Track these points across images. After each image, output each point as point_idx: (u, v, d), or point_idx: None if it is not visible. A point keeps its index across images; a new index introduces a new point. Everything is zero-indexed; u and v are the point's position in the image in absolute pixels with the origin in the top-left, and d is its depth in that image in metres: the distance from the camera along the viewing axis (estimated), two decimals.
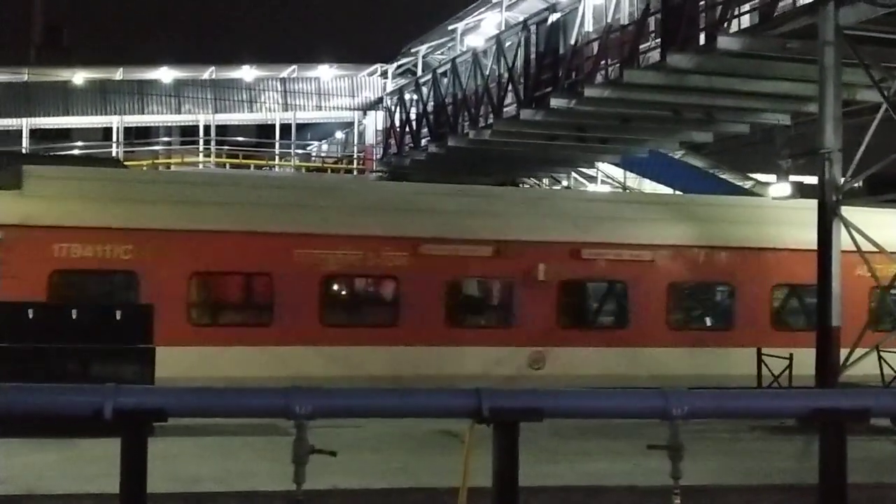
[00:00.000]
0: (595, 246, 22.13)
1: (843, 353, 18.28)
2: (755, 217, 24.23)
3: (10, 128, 43.77)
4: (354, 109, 45.12)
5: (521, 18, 31.09)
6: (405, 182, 32.24)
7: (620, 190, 39.98)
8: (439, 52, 40.81)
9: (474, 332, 21.61)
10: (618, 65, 24.82)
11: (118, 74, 44.58)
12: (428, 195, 23.33)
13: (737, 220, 23.77)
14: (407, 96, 38.22)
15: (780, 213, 24.52)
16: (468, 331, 21.52)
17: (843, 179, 18.28)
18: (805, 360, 18.52)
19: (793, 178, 33.36)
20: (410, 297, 20.97)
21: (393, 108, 39.88)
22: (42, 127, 44.75)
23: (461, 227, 21.62)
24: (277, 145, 46.91)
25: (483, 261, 21.45)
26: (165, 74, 44.41)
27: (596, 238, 22.33)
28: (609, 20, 25.52)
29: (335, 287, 21.34)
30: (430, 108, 35.40)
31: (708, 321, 24.04)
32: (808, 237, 19.06)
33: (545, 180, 40.61)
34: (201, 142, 44.99)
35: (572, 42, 26.92)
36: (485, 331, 21.84)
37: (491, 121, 30.67)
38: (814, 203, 18.60)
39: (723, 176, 38.22)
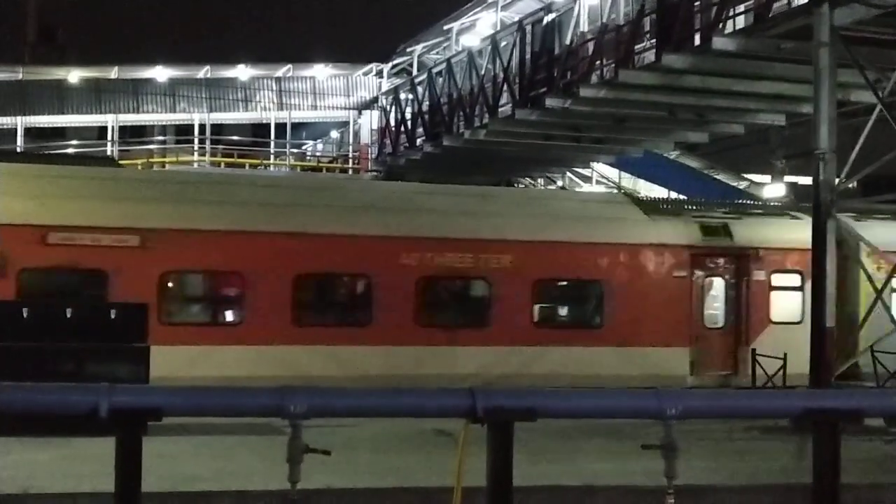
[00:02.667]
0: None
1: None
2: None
3: (5, 126, 43.69)
4: (350, 109, 45.07)
5: (516, 18, 31.07)
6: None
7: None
8: (434, 51, 40.79)
9: None
10: (613, 65, 24.83)
11: (113, 73, 44.50)
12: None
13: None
14: (402, 96, 38.20)
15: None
16: None
17: (837, 180, 18.31)
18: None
19: (787, 178, 33.45)
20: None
21: (388, 107, 39.85)
22: (37, 125, 44.67)
23: None
24: (272, 144, 46.86)
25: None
26: (160, 73, 44.33)
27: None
28: (604, 20, 25.53)
29: None
30: (425, 107, 35.38)
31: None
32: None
33: (540, 180, 40.63)
34: (196, 140, 44.92)
35: (567, 42, 26.92)
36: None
37: (486, 120, 30.66)
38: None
39: (718, 176, 38.27)
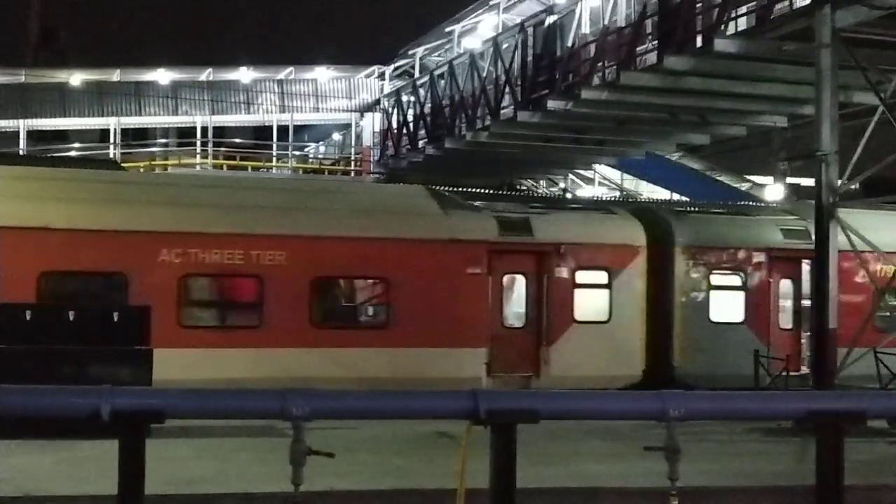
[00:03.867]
0: None
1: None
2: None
3: (8, 129, 43.72)
4: (352, 111, 45.09)
5: (518, 21, 31.11)
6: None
7: None
8: (436, 53, 40.82)
9: None
10: (614, 67, 24.85)
11: (115, 76, 44.54)
12: None
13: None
14: (404, 98, 38.24)
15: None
16: None
17: (839, 181, 18.30)
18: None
19: (790, 180, 33.42)
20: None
21: (390, 109, 39.89)
22: (39, 128, 44.68)
23: None
24: (275, 147, 46.88)
25: None
26: (162, 76, 44.38)
27: None
28: (606, 22, 25.54)
29: None
30: (427, 109, 35.42)
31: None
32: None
33: (542, 182, 40.64)
34: (198, 143, 44.94)
35: (569, 44, 26.95)
36: None
37: (488, 122, 30.70)
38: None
39: (719, 178, 38.25)
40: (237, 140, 47.35)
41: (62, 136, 45.95)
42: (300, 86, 45.78)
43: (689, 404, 8.90)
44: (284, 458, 8.30)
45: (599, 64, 25.72)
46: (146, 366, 15.03)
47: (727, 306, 22.99)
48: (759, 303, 23.15)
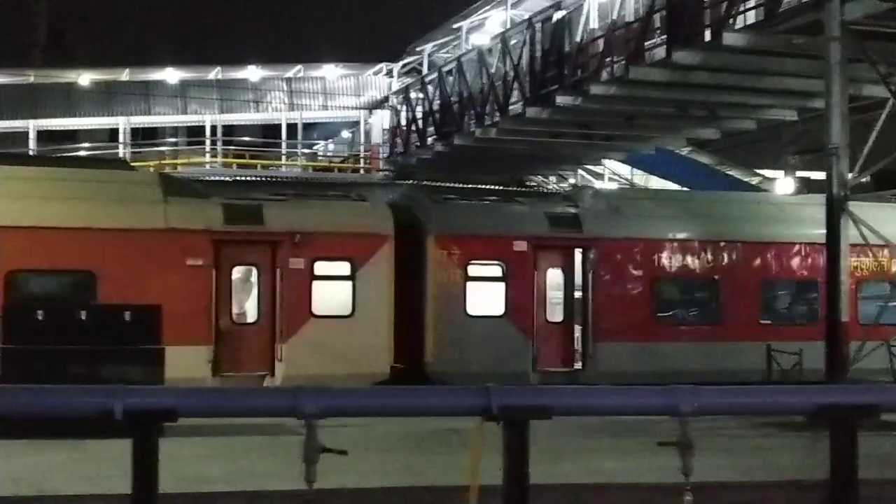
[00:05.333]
0: None
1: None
2: None
3: (17, 130, 43.81)
4: (360, 108, 45.11)
5: (526, 16, 31.06)
6: None
7: None
8: (444, 50, 40.79)
9: None
10: (623, 62, 24.81)
11: (124, 75, 44.61)
12: None
13: None
14: (413, 95, 38.23)
15: None
16: None
17: (850, 175, 18.26)
18: None
19: (800, 173, 33.37)
20: None
21: (399, 106, 39.89)
22: (48, 128, 44.78)
23: None
24: (284, 145, 46.93)
25: None
26: (171, 75, 44.43)
27: None
28: (614, 17, 25.51)
29: None
30: (435, 106, 35.40)
31: None
32: None
33: (552, 178, 40.61)
34: (208, 142, 45.01)
35: (577, 39, 26.90)
36: None
37: (497, 119, 30.67)
38: None
39: (729, 172, 38.21)
40: (246, 139, 47.41)
41: (71, 136, 46.05)
42: (309, 84, 45.80)
43: (701, 399, 8.90)
44: (296, 455, 8.32)
45: (608, 59, 25.67)
46: (159, 365, 15.05)
47: (486, 299, 21.83)
48: (521, 295, 22.00)
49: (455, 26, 38.56)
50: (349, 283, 20.99)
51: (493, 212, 23.30)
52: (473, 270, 21.85)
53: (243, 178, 37.46)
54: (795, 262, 23.62)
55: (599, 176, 41.34)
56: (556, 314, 22.64)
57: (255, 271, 20.91)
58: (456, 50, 38.41)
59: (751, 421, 16.44)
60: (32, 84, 44.09)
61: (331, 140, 51.11)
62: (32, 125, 43.68)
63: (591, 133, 31.09)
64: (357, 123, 46.32)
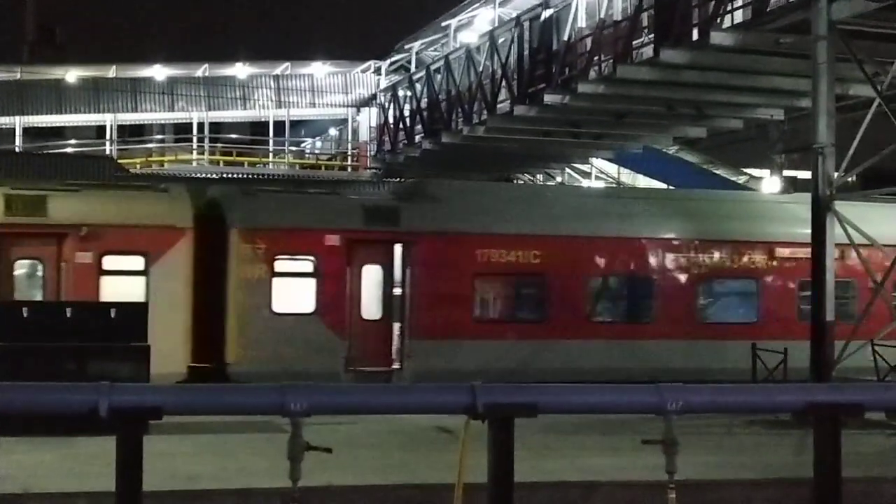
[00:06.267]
0: None
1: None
2: None
3: (4, 126, 43.68)
4: (348, 106, 45.08)
5: (514, 15, 31.07)
6: None
7: None
8: (433, 48, 40.77)
9: None
10: (611, 60, 24.83)
11: (111, 72, 44.48)
12: None
13: None
14: (401, 93, 38.23)
15: None
16: None
17: (836, 174, 18.30)
18: None
19: (787, 172, 33.46)
20: None
21: (387, 104, 39.88)
22: (35, 125, 44.64)
23: None
24: (271, 142, 46.87)
25: None
26: (159, 72, 44.31)
27: None
28: (602, 16, 25.52)
29: None
30: (423, 104, 35.40)
31: None
32: None
33: (539, 176, 40.63)
34: (195, 139, 44.92)
35: (566, 38, 26.91)
36: None
37: (485, 117, 30.67)
38: None
39: (717, 171, 38.29)
40: (234, 136, 47.33)
41: (58, 132, 45.90)
42: (296, 81, 45.72)
43: (686, 397, 8.92)
44: (283, 453, 8.31)
45: (596, 58, 25.70)
46: (144, 362, 15.03)
47: (294, 296, 20.87)
48: (333, 291, 21.05)
49: (443, 24, 38.54)
50: (143, 279, 19.98)
51: (304, 205, 22.26)
52: (281, 266, 20.89)
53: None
54: (623, 257, 22.87)
55: (587, 174, 41.38)
56: (372, 312, 21.53)
57: (39, 266, 19.92)
58: (444, 48, 38.40)
59: (739, 419, 16.51)
60: (20, 80, 43.93)
61: (318, 138, 51.05)
62: (19, 122, 43.53)
63: (579, 131, 31.10)
64: (345, 121, 46.30)
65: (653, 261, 22.94)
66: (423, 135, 35.17)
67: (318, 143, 51.15)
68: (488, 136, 31.24)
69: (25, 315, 15.09)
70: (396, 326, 21.55)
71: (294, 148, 48.42)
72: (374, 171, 40.29)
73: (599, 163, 40.16)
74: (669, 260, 22.99)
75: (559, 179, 40.22)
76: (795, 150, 31.12)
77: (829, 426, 9.18)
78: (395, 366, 21.34)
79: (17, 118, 43.53)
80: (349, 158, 45.59)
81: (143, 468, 8.13)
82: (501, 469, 8.59)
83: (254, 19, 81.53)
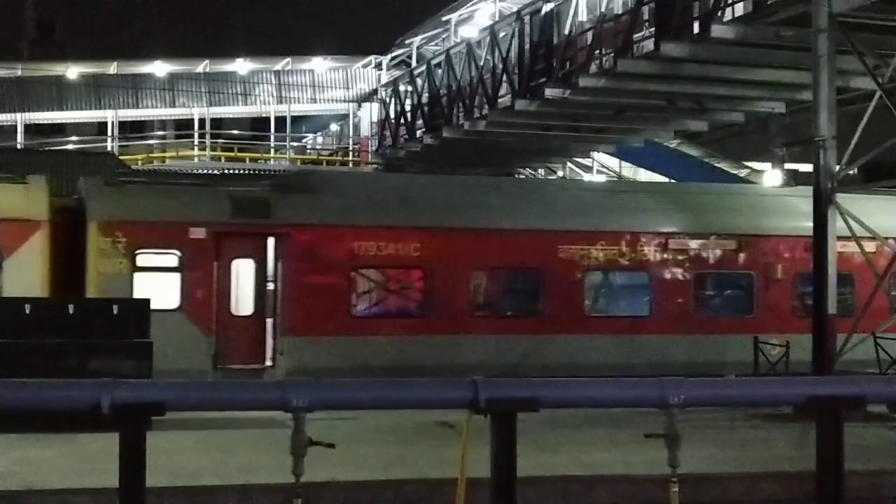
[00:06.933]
0: None
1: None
2: None
3: (5, 123, 43.69)
4: (349, 101, 45.07)
5: (514, 9, 31.03)
6: None
7: None
8: (433, 43, 40.76)
9: None
10: (612, 54, 24.80)
11: (112, 68, 44.48)
12: None
13: None
14: (401, 88, 38.18)
15: None
16: None
17: (838, 167, 18.28)
18: None
19: (788, 166, 33.44)
20: None
21: (388, 99, 39.84)
22: (36, 122, 44.65)
23: None
24: (272, 138, 46.85)
25: None
26: (159, 68, 44.32)
27: None
28: (603, 10, 25.50)
29: None
30: (424, 99, 35.37)
31: None
32: None
33: (540, 170, 40.61)
34: (196, 135, 44.92)
35: (566, 32, 26.89)
36: None
37: (486, 111, 30.65)
38: None
39: (718, 165, 38.24)
40: (235, 132, 47.32)
41: (59, 129, 45.93)
42: (297, 76, 45.72)
43: (688, 391, 8.93)
44: (286, 449, 8.32)
45: (597, 52, 25.67)
46: (146, 359, 15.04)
47: (158, 291, 19.34)
48: (199, 287, 20.22)
49: (444, 19, 38.53)
50: None
51: (169, 196, 21.12)
52: (143, 260, 20.01)
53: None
54: (509, 250, 21.59)
55: (588, 169, 41.36)
56: (243, 307, 20.66)
57: None
58: (445, 43, 38.38)
59: (739, 412, 16.52)
60: (20, 77, 43.94)
61: (320, 133, 51.04)
62: (20, 118, 43.54)
63: (580, 125, 31.08)
64: (346, 116, 46.29)
65: (541, 254, 21.71)
66: (424, 129, 35.15)
67: (320, 139, 51.14)
68: (489, 130, 31.22)
69: (28, 312, 15.10)
70: (269, 322, 20.75)
71: (295, 143, 48.41)
72: (375, 166, 40.28)
73: (601, 157, 40.15)
74: (561, 252, 21.85)
75: (560, 174, 40.20)
76: (797, 144, 31.08)
77: (831, 419, 9.18)
78: (268, 363, 20.55)
79: (18, 115, 43.54)
80: (350, 154, 45.57)
81: (145, 464, 8.14)
82: (503, 463, 8.60)
83: (254, 15, 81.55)
